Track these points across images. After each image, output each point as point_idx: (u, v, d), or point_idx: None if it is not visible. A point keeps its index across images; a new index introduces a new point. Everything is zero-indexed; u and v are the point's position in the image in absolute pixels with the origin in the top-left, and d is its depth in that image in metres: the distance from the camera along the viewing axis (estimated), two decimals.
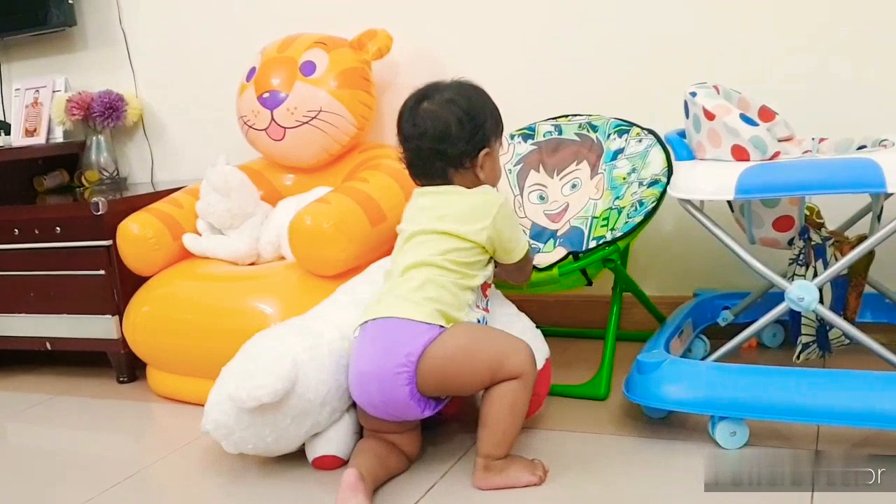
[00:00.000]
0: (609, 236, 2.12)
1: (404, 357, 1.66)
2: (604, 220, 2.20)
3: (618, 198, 2.20)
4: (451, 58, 2.69)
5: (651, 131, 2.26)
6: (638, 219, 2.06)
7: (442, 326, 1.70)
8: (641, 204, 2.10)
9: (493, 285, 1.90)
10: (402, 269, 1.77)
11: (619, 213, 2.16)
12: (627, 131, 2.29)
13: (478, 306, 1.81)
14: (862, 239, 1.85)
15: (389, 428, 1.78)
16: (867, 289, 2.02)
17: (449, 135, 1.77)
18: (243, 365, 1.79)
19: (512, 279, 1.93)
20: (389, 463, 1.77)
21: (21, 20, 3.22)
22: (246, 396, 1.69)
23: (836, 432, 1.77)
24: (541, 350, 1.92)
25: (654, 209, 2.07)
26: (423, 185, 1.85)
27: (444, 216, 1.78)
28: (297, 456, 1.88)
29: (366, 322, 1.76)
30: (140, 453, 2.14)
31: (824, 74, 2.27)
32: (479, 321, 1.80)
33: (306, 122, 2.52)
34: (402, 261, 1.79)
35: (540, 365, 1.88)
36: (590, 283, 2.15)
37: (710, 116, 1.81)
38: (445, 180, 1.81)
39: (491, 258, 1.83)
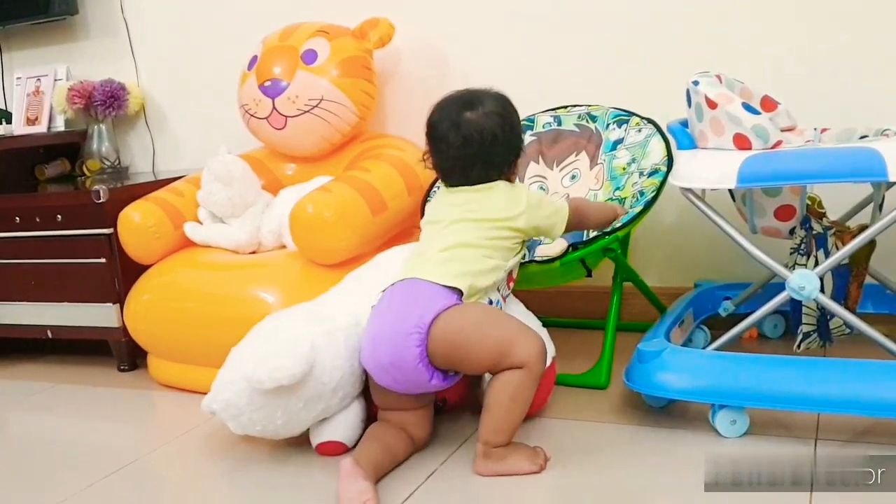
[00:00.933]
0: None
1: (417, 319, 1.69)
2: None
3: (618, 188, 2.19)
4: (452, 47, 2.69)
5: (650, 121, 2.25)
6: (638, 209, 2.05)
7: (460, 293, 1.73)
8: (642, 194, 2.10)
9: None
10: (440, 249, 1.81)
11: (621, 203, 2.15)
12: (627, 121, 2.29)
13: (498, 289, 1.85)
14: (863, 229, 1.83)
15: (402, 404, 1.79)
16: (868, 280, 2.01)
17: (496, 143, 1.85)
18: (260, 346, 1.79)
19: (597, 228, 2.06)
20: (396, 451, 1.77)
21: (23, 9, 3.21)
22: (266, 377, 1.69)
23: (836, 421, 1.77)
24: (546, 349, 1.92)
25: (654, 199, 2.06)
26: (455, 187, 1.91)
27: (483, 208, 1.84)
28: (301, 442, 1.88)
29: (387, 288, 1.81)
30: (141, 441, 2.13)
31: (825, 70, 2.27)
32: (492, 302, 1.82)
33: (308, 111, 2.51)
34: (440, 244, 1.82)
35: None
36: (590, 275, 2.14)
37: (712, 105, 1.80)
38: (482, 181, 1.88)
39: (523, 245, 1.89)
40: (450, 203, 1.89)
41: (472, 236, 1.81)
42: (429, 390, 1.76)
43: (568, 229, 1.94)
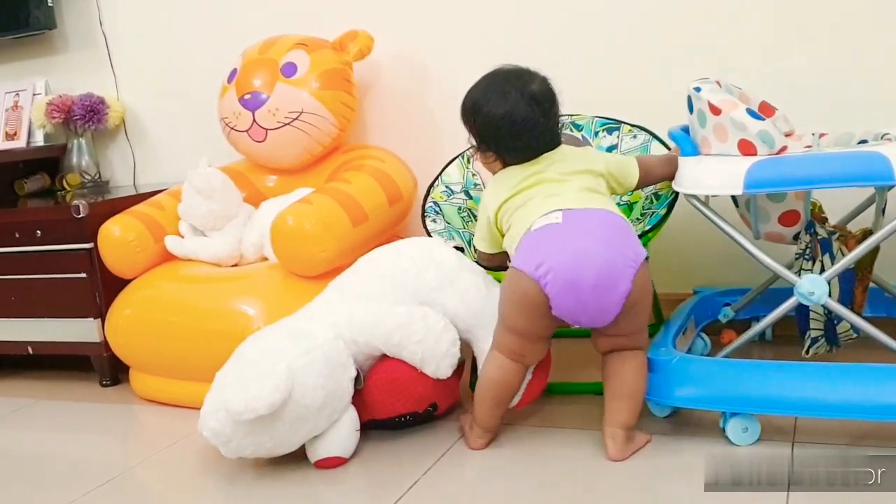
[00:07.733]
0: None
1: (633, 254, 1.55)
2: None
3: (628, 193, 1.98)
4: (432, 58, 2.51)
5: (642, 128, 2.05)
6: (662, 210, 1.85)
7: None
8: (658, 196, 1.90)
9: None
10: (577, 190, 1.65)
11: (631, 208, 1.96)
12: (617, 128, 2.08)
13: None
14: (866, 233, 1.68)
15: (543, 331, 1.63)
16: None
17: (556, 109, 1.74)
18: (239, 374, 1.64)
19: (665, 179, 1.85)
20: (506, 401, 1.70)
21: (0, 23, 2.96)
22: (244, 409, 1.55)
23: (826, 425, 1.62)
24: None
25: (675, 200, 1.85)
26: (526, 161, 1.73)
27: (569, 161, 1.71)
28: (295, 452, 1.72)
29: (561, 210, 1.60)
30: (124, 455, 1.98)
31: (818, 70, 2.10)
32: None
33: (288, 124, 2.32)
34: (576, 185, 1.66)
35: None
36: None
37: (715, 111, 1.61)
38: (549, 149, 1.74)
39: None
40: (534, 171, 1.69)
41: (586, 183, 1.68)
42: (597, 324, 1.58)
43: (640, 181, 1.79)
